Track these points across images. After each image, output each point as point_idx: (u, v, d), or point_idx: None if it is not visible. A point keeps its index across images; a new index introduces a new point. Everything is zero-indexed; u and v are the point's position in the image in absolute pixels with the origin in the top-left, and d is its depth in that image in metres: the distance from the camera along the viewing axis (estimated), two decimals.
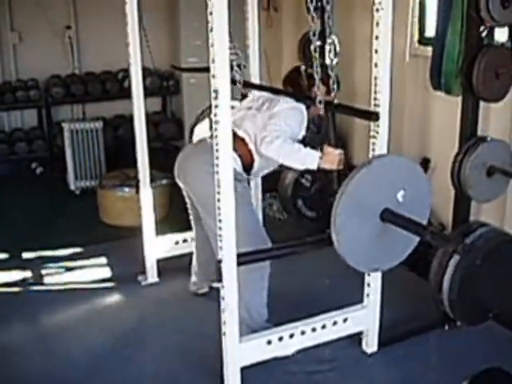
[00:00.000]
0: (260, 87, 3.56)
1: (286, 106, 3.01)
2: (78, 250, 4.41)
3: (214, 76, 2.35)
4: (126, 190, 4.80)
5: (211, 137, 3.07)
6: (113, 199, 4.94)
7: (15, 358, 3.14)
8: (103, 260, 4.24)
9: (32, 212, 5.21)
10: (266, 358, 2.81)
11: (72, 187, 5.63)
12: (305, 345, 2.90)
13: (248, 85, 3.54)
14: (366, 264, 2.53)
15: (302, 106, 3.05)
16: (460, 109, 3.05)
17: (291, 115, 2.97)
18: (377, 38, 2.64)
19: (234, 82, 3.71)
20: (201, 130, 3.35)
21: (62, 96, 6.18)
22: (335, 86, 2.88)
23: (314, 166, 2.81)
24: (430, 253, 3.11)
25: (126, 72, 6.42)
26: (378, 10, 2.60)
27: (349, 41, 4.69)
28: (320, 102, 2.83)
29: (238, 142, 2.94)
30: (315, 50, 2.81)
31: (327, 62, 4.10)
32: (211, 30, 2.29)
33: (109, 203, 4.99)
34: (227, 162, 2.44)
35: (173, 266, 3.91)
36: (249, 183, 3.21)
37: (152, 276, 3.91)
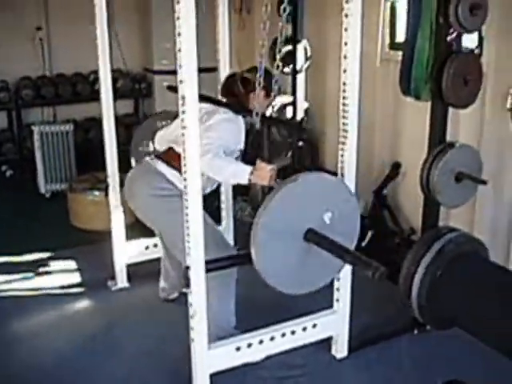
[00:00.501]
0: (201, 97, 3.51)
1: (221, 117, 2.97)
2: (48, 254, 4.36)
3: (181, 81, 2.33)
4: (97, 193, 4.75)
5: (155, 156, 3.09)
6: (83, 203, 4.88)
7: None
8: (73, 265, 4.19)
9: (1, 215, 5.12)
10: (236, 365, 2.79)
11: (42, 190, 5.56)
12: (274, 351, 2.89)
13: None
14: (288, 286, 2.51)
15: (238, 117, 3.03)
16: (429, 114, 3.06)
17: (224, 127, 2.93)
18: (346, 43, 2.64)
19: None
20: (164, 136, 3.31)
21: (32, 98, 6.09)
22: (275, 89, 2.86)
23: (244, 181, 2.77)
24: (399, 256, 3.13)
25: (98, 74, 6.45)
26: (346, 15, 2.60)
27: (320, 46, 4.71)
28: (257, 114, 2.84)
29: (177, 158, 2.92)
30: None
31: (297, 67, 4.12)
32: (179, 35, 2.27)
33: (79, 207, 4.94)
34: (194, 168, 2.42)
35: (143, 271, 3.88)
36: None
37: (122, 281, 3.87)
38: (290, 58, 3.92)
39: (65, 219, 4.97)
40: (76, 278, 4.02)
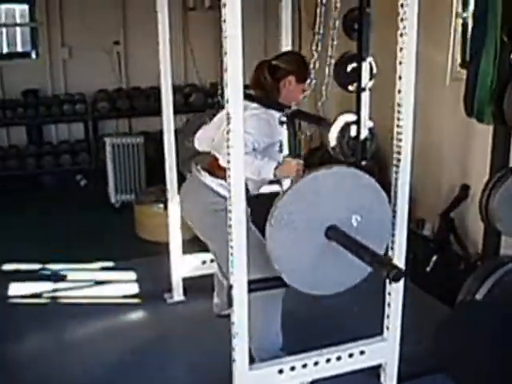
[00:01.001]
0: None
1: (249, 113, 2.84)
2: (111, 264, 4.47)
3: (227, 101, 2.32)
4: (161, 205, 4.81)
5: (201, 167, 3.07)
6: (148, 214, 4.98)
7: (32, 369, 3.19)
8: (133, 275, 4.27)
9: (71, 223, 5.32)
10: None
11: (112, 200, 5.72)
12: (318, 376, 2.82)
13: None
14: (305, 284, 2.44)
15: (268, 112, 2.90)
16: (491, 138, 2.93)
17: (253, 124, 2.80)
18: (400, 63, 2.57)
19: None
20: (202, 136, 3.28)
21: (107, 110, 6.31)
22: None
23: (270, 176, 2.73)
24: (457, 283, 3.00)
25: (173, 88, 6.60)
26: (402, 34, 2.53)
27: (387, 63, 4.59)
28: (289, 108, 2.79)
29: (219, 167, 2.86)
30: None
31: (362, 84, 4.03)
32: (225, 54, 2.27)
33: (144, 218, 5.04)
34: (239, 187, 2.40)
35: (200, 286, 3.89)
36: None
37: (178, 294, 3.90)
38: (355, 75, 3.86)
39: (131, 230, 5.09)
40: (134, 288, 4.09)
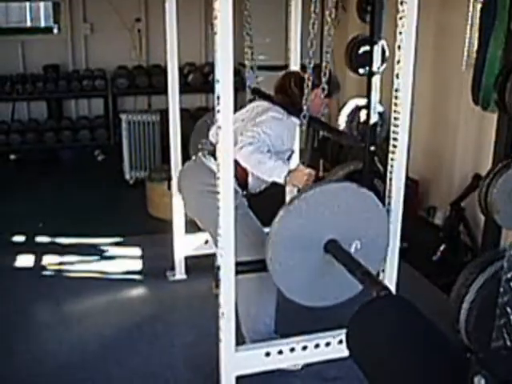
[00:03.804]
0: (259, 94, 3.44)
1: (271, 115, 2.91)
2: (118, 239, 4.51)
3: (217, 81, 2.30)
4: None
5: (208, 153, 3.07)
6: (158, 192, 4.99)
7: (30, 340, 3.25)
8: (138, 252, 4.30)
9: (85, 198, 5.38)
10: (263, 370, 2.74)
11: (127, 177, 5.77)
12: (306, 360, 2.82)
13: (256, 92, 3.46)
14: (303, 296, 2.45)
15: (290, 118, 2.94)
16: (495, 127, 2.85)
17: (272, 125, 2.86)
18: (399, 47, 2.50)
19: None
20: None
21: (126, 87, 6.32)
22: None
23: (280, 180, 2.74)
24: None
25: (192, 66, 6.59)
26: (401, 17, 2.46)
27: None
28: (304, 117, 2.79)
29: None
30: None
31: (374, 68, 3.96)
32: (215, 34, 2.24)
33: (155, 196, 5.06)
34: (227, 168, 2.39)
35: (202, 265, 3.90)
36: (249, 200, 3.10)
37: (180, 273, 3.92)
38: (366, 59, 3.80)
39: (143, 207, 5.12)
40: (138, 265, 4.13)
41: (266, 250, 2.31)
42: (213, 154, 3.11)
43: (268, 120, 2.89)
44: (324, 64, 2.88)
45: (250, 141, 2.73)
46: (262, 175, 2.80)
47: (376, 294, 2.01)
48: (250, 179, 2.98)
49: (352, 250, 2.37)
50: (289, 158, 3.02)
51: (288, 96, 3.05)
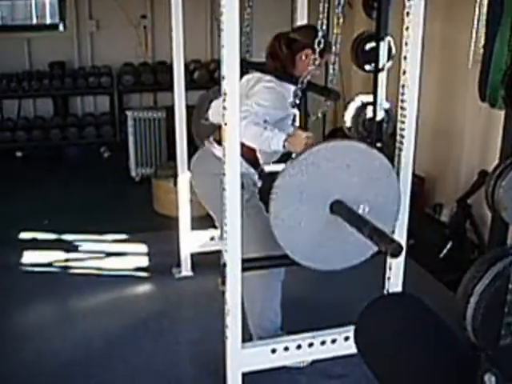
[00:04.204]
0: (249, 64, 3.34)
1: (263, 85, 2.81)
2: (124, 236, 4.51)
3: (223, 77, 2.29)
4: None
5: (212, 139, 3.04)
6: (164, 189, 5.00)
7: (35, 336, 3.27)
8: (144, 249, 4.30)
9: (90, 195, 5.38)
10: (270, 367, 2.74)
11: (133, 174, 5.77)
12: (312, 357, 2.82)
13: (247, 63, 3.38)
14: (308, 258, 2.42)
15: (282, 85, 2.84)
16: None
17: (265, 95, 2.77)
18: (406, 44, 2.49)
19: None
20: (215, 107, 3.16)
21: (132, 84, 6.32)
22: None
23: (279, 148, 2.67)
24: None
25: (198, 63, 6.58)
26: (408, 13, 2.45)
27: None
28: (302, 83, 2.74)
29: None
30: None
31: (380, 65, 3.94)
32: (222, 30, 2.24)
33: (161, 193, 5.06)
34: (234, 161, 2.38)
35: (208, 262, 3.89)
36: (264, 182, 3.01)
37: (186, 269, 3.92)
38: (373, 55, 3.79)
39: (148, 204, 5.12)
40: (144, 261, 4.13)
41: (269, 204, 2.27)
42: (216, 139, 3.06)
43: (260, 91, 2.81)
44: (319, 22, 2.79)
45: (243, 115, 2.62)
46: (261, 147, 2.75)
47: (385, 248, 1.98)
48: (258, 154, 2.93)
49: (359, 212, 2.33)
50: (292, 123, 2.95)
51: (279, 60, 2.94)
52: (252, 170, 2.94)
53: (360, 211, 2.35)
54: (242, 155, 2.81)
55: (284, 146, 2.67)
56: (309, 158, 2.29)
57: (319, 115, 3.16)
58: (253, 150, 2.89)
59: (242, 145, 2.69)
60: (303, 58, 2.91)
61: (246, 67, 3.35)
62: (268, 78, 2.90)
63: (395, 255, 2.12)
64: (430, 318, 1.40)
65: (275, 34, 3.03)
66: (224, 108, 2.33)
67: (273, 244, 2.88)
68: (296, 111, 3.02)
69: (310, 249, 2.40)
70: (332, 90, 2.84)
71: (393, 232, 2.64)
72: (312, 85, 2.90)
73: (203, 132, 3.72)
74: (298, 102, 2.85)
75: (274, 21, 6.02)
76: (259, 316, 2.97)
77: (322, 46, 2.73)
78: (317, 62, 2.76)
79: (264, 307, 2.98)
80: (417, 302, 1.47)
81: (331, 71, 2.96)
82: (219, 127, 3.02)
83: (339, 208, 2.29)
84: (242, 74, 3.27)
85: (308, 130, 3.03)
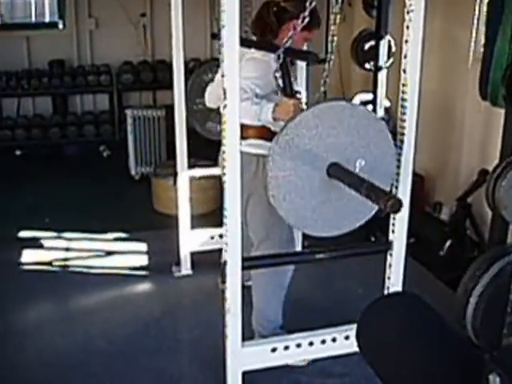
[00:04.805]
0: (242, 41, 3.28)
1: (247, 57, 2.74)
2: (123, 235, 4.50)
3: (223, 76, 2.28)
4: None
5: None
6: (164, 187, 4.99)
7: (35, 335, 3.26)
8: (144, 247, 4.30)
9: (90, 194, 5.38)
10: (270, 365, 2.74)
11: (132, 172, 5.77)
12: (312, 356, 2.81)
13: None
14: (304, 223, 2.39)
15: (267, 55, 2.73)
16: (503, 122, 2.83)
17: (251, 68, 2.70)
18: (406, 41, 2.48)
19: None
20: (213, 93, 3.11)
21: (131, 82, 6.32)
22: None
23: (269, 119, 2.64)
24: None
25: (198, 62, 6.57)
26: (408, 11, 2.44)
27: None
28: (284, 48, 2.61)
29: (244, 129, 2.63)
30: None
31: (380, 63, 3.93)
32: (223, 27, 2.22)
33: (160, 191, 5.06)
34: (234, 170, 2.35)
35: (208, 260, 3.89)
36: None
37: (185, 268, 3.92)
38: (373, 53, 3.78)
39: (148, 202, 5.12)
40: (144, 260, 4.12)
41: (267, 171, 2.26)
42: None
43: (246, 64, 2.71)
44: None
45: None
46: (253, 122, 2.68)
47: (384, 205, 1.95)
48: (272, 127, 2.79)
49: (357, 170, 2.32)
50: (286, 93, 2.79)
51: (265, 27, 2.85)
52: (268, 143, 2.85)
53: (357, 168, 2.32)
54: (262, 137, 2.75)
55: (274, 117, 2.63)
56: (296, 126, 2.26)
57: (322, 89, 3.08)
58: (265, 128, 2.79)
59: (255, 127, 2.67)
60: (290, 28, 2.73)
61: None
62: (252, 50, 2.79)
63: (395, 210, 2.08)
64: (433, 318, 1.39)
65: (265, 1, 2.92)
66: (225, 106, 2.31)
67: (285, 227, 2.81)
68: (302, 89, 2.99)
69: (311, 215, 2.36)
70: (309, 51, 2.77)
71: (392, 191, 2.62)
72: (290, 50, 2.76)
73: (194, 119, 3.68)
74: (280, 70, 2.73)
75: None
76: (260, 314, 2.99)
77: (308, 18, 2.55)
78: (298, 28, 2.59)
79: (265, 305, 3.00)
80: (419, 301, 1.46)
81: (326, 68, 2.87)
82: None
83: (335, 171, 2.27)
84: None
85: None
